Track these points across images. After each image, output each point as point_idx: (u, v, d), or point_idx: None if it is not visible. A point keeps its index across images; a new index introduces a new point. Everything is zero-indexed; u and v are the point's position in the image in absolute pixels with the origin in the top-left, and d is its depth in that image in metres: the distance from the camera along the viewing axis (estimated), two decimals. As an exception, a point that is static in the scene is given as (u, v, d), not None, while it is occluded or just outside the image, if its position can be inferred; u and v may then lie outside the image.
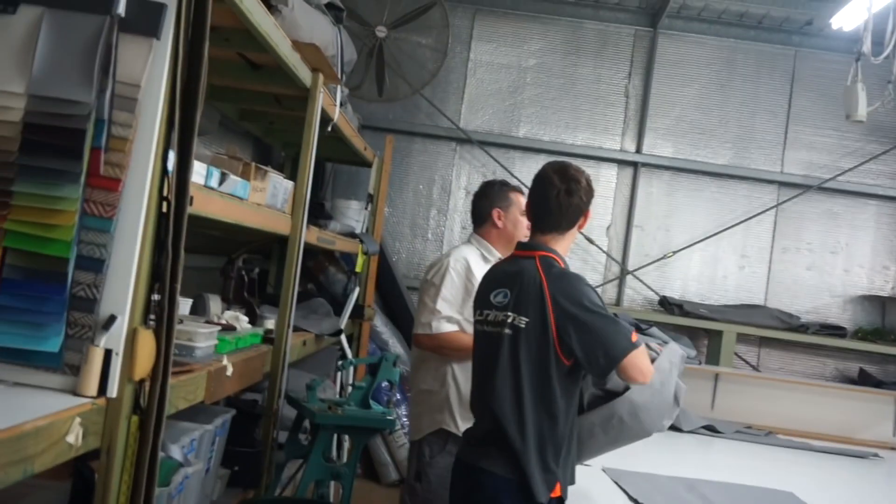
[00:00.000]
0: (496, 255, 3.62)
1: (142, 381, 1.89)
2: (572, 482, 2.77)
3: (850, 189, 7.30)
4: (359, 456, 3.81)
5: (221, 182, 2.45)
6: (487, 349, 2.79)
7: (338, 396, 4.96)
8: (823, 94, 7.32)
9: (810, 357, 7.29)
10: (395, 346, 6.76)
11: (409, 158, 7.35)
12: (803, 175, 7.29)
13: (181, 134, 1.85)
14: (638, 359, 2.60)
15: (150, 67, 1.80)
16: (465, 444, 2.87)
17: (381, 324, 6.79)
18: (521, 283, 2.75)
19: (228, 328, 3.16)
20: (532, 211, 2.90)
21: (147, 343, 1.85)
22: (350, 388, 5.44)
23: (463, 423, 3.35)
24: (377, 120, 7.05)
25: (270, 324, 3.76)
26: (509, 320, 2.72)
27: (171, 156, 1.85)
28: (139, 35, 1.80)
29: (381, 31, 6.51)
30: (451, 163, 7.38)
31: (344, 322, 5.20)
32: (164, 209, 1.87)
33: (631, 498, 3.06)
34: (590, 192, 2.86)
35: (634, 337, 2.64)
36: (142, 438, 1.89)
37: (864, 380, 6.98)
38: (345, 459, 5.30)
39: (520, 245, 2.98)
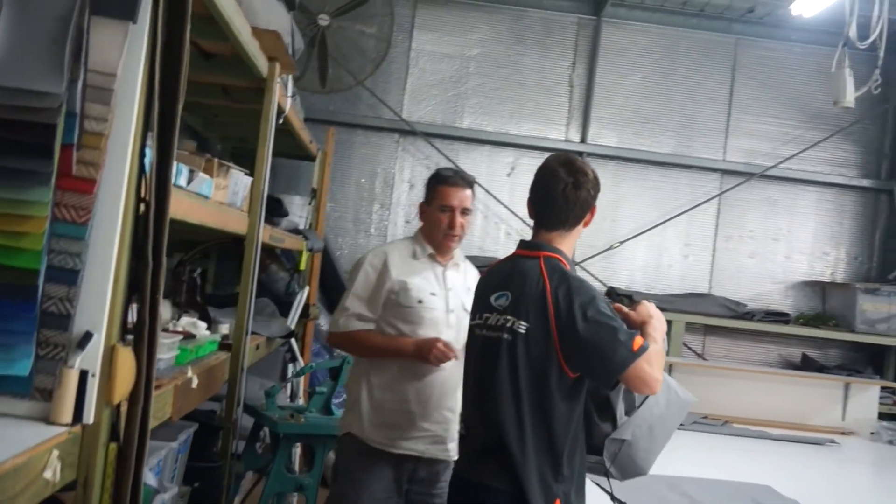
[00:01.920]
0: (428, 252, 3.31)
1: (118, 405, 1.70)
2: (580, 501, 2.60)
3: (791, 176, 7.37)
4: (322, 465, 3.64)
5: (190, 180, 2.26)
6: (486, 355, 2.60)
7: (289, 402, 4.77)
8: (764, 82, 7.37)
9: (754, 344, 7.35)
10: (342, 344, 6.57)
11: (350, 151, 7.17)
12: (745, 163, 7.33)
13: (161, 128, 1.67)
14: (639, 369, 2.40)
15: (126, 54, 1.61)
16: (462, 459, 2.71)
17: (325, 322, 6.59)
18: (522, 285, 2.56)
19: (187, 336, 2.95)
20: (535, 207, 2.69)
21: (126, 362, 1.66)
22: (298, 392, 5.27)
23: (372, 429, 3.18)
24: (318, 112, 6.83)
25: (224, 329, 3.55)
26: (508, 325, 2.54)
27: (148, 153, 1.66)
28: (113, 18, 1.60)
29: (323, 20, 6.30)
30: (394, 155, 7.21)
31: (294, 323, 5.01)
32: (141, 212, 1.68)
33: (616, 499, 2.95)
34: (597, 186, 2.66)
35: (637, 344, 2.43)
36: (120, 468, 1.70)
37: (806, 365, 7.06)
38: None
39: (522, 244, 2.73)
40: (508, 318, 2.55)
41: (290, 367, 5.20)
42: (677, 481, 3.30)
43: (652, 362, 2.42)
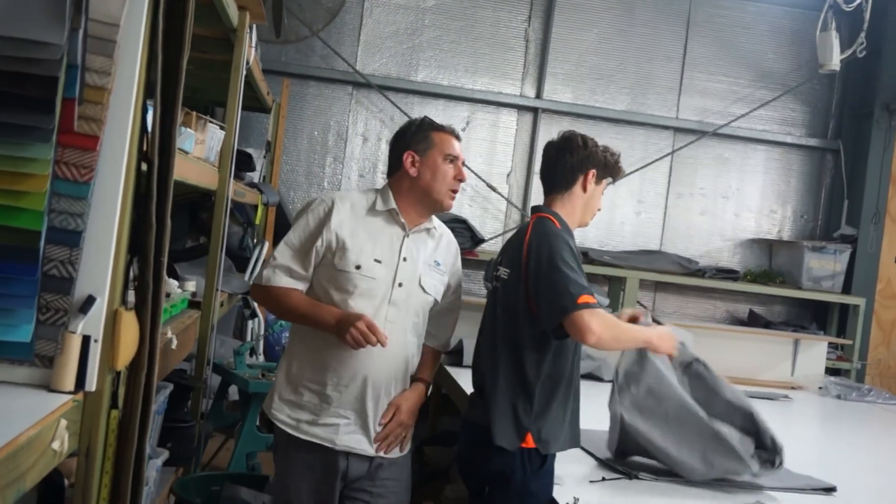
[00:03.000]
0: (390, 207, 2.82)
1: (118, 372, 1.64)
2: (572, 444, 2.78)
3: (741, 135, 7.44)
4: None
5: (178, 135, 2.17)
6: (486, 305, 2.91)
7: (253, 359, 4.70)
8: (716, 40, 7.40)
9: (703, 300, 7.46)
10: (295, 299, 6.49)
11: (303, 103, 7.02)
12: (697, 121, 7.37)
13: (165, 82, 1.59)
14: (579, 318, 2.51)
15: (129, 2, 1.52)
16: (468, 405, 2.96)
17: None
18: (513, 239, 2.85)
19: (161, 294, 2.87)
20: (540, 175, 2.95)
21: (130, 327, 1.60)
22: (258, 350, 5.20)
23: (280, 406, 2.80)
24: (271, 62, 6.66)
25: (191, 286, 3.47)
26: (497, 273, 2.83)
27: (149, 109, 1.58)
28: (116, -36, 1.51)
29: (278, -32, 6.12)
30: (348, 108, 7.09)
31: (253, 279, 4.92)
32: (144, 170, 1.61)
33: (586, 451, 2.98)
34: (588, 154, 2.84)
35: (583, 299, 2.55)
36: (122, 436, 1.64)
37: (753, 321, 7.20)
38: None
39: (532, 208, 2.93)
40: (499, 268, 2.84)
41: (250, 324, 5.12)
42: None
43: (597, 319, 2.53)
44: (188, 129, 2.31)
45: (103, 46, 1.50)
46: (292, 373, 2.79)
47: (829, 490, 2.86)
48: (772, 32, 7.42)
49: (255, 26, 3.94)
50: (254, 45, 3.96)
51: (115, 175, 1.54)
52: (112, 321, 1.57)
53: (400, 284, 2.78)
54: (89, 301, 1.53)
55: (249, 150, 5.89)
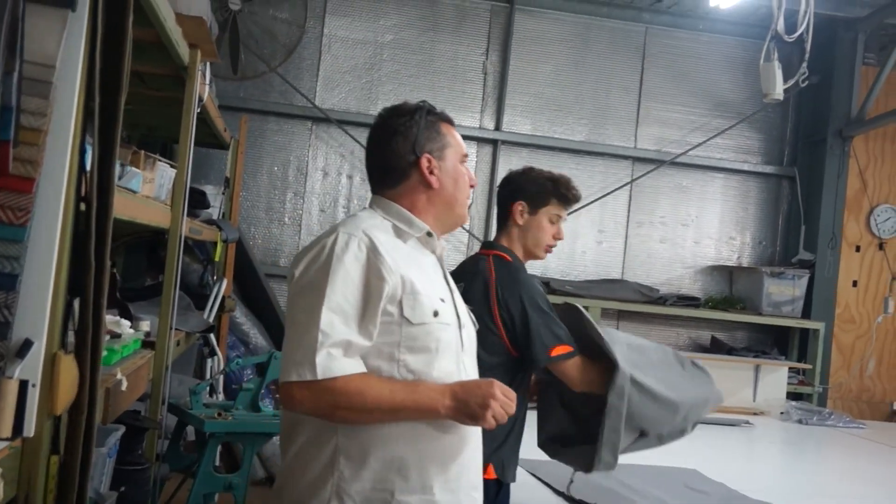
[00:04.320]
0: (425, 230, 2.11)
1: (58, 416, 1.61)
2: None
3: (699, 163, 7.53)
4: (250, 464, 3.55)
5: (121, 175, 2.16)
6: None
7: (210, 398, 4.65)
8: (672, 70, 7.51)
9: (666, 328, 7.50)
10: (257, 336, 6.45)
11: (262, 139, 7.02)
12: (656, 150, 7.45)
13: (103, 123, 1.58)
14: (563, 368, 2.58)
15: (65, 44, 1.51)
16: None
17: (240, 315, 6.45)
18: (470, 274, 2.79)
19: (112, 335, 2.83)
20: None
21: (69, 370, 1.58)
22: (218, 388, 5.15)
23: None
24: (229, 98, 6.65)
25: (146, 325, 3.42)
26: None
27: (88, 149, 1.57)
28: (51, 5, 1.50)
29: (234, 4, 6.12)
30: (308, 143, 7.09)
31: (212, 317, 4.88)
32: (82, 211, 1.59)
33: (556, 491, 2.97)
34: (518, 188, 2.90)
35: (560, 351, 2.63)
36: (63, 481, 1.61)
37: (716, 347, 7.25)
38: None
39: (483, 244, 2.92)
40: None
41: (209, 362, 5.07)
42: (609, 468, 3.33)
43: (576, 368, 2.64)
44: (134, 169, 2.30)
45: (39, 88, 1.49)
46: (356, 487, 1.90)
47: (785, 515, 2.87)
48: (725, 62, 7.54)
49: (209, 63, 3.93)
50: (208, 82, 3.95)
51: (52, 217, 1.52)
52: (50, 365, 1.54)
53: (463, 326, 2.12)
54: (27, 345, 1.51)
55: (209, 187, 5.86)
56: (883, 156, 7.24)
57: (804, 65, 5.01)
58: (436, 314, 2.00)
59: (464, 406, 1.91)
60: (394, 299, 1.93)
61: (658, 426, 2.73)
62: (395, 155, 2.12)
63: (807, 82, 5.15)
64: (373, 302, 1.91)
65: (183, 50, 3.13)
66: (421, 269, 2.04)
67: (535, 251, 2.87)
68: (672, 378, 2.76)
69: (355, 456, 1.90)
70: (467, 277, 2.74)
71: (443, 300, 2.05)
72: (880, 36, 7.19)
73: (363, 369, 1.89)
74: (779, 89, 5.04)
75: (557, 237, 2.91)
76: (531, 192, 2.82)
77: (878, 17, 6.79)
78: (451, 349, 2.03)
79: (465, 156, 2.23)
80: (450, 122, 2.22)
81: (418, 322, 1.96)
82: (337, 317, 1.87)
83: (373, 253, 1.95)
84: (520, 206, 2.82)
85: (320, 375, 1.82)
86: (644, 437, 2.73)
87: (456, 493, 1.98)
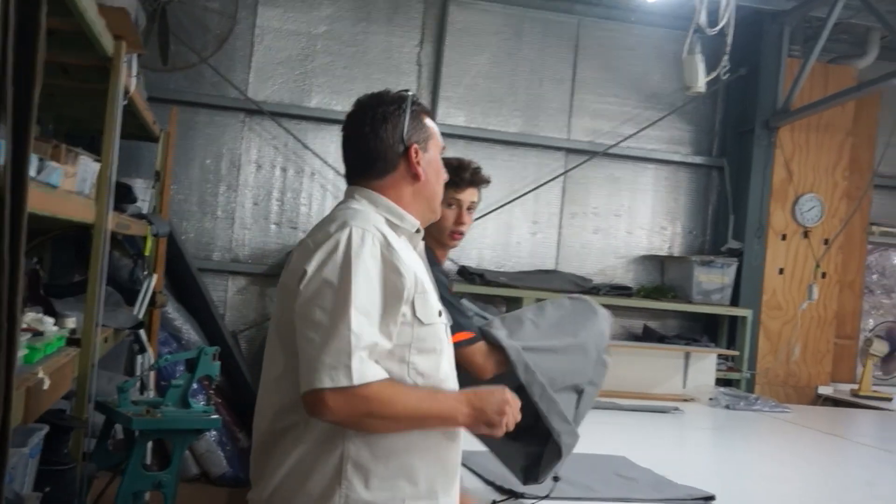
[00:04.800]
0: (416, 227, 2.07)
1: (-29, 415, 1.59)
2: None
3: (631, 154, 7.63)
4: (180, 461, 3.52)
5: (40, 170, 2.12)
6: None
7: (140, 395, 4.59)
8: (604, 62, 7.59)
9: (599, 317, 7.58)
10: (190, 332, 6.38)
11: (193, 132, 6.92)
12: (589, 141, 7.53)
13: (16, 117, 1.55)
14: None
15: (-30, 38, 1.49)
16: None
17: (172, 310, 6.38)
18: None
19: (34, 333, 2.79)
20: None
21: (-20, 370, 1.55)
22: (149, 385, 5.08)
23: None
24: (158, 90, 6.54)
25: (71, 322, 3.37)
26: None
27: (1, 144, 1.54)
28: (-46, -2, 1.48)
29: (163, -6, 6.04)
30: (240, 135, 7.02)
31: (142, 313, 4.82)
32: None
33: (486, 481, 3.00)
34: None
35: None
36: (-25, 482, 1.59)
37: (648, 336, 7.37)
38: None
39: None
40: None
41: (139, 359, 5.01)
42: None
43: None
44: (53, 163, 2.26)
45: (-58, 83, 1.47)
46: (367, 496, 1.84)
47: (708, 499, 2.94)
48: (656, 54, 7.64)
49: (136, 55, 3.87)
50: (135, 73, 3.89)
51: (-42, 214, 1.50)
52: (-40, 365, 1.52)
53: (449, 328, 2.08)
54: (-66, 345, 1.48)
55: (139, 181, 5.78)
56: (808, 146, 7.42)
57: (725, 57, 5.11)
58: (440, 313, 1.97)
59: (481, 414, 1.90)
60: (408, 299, 1.88)
61: (580, 374, 2.70)
62: (383, 143, 2.04)
63: (728, 75, 5.24)
64: (392, 301, 1.84)
65: (107, 41, 3.09)
66: (420, 267, 1.99)
67: (441, 238, 2.85)
68: (565, 325, 2.76)
69: (364, 464, 1.84)
70: None
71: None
72: (805, 28, 7.36)
73: (386, 374, 1.82)
74: (701, 82, 5.14)
75: (460, 222, 2.88)
76: None
77: (803, 10, 6.95)
78: (448, 350, 2.01)
79: (444, 149, 2.19)
80: (431, 114, 2.18)
81: (428, 322, 1.92)
82: (364, 318, 1.78)
83: (387, 250, 1.87)
84: None
85: (356, 381, 1.73)
86: (581, 391, 2.73)
87: (453, 499, 1.99)
